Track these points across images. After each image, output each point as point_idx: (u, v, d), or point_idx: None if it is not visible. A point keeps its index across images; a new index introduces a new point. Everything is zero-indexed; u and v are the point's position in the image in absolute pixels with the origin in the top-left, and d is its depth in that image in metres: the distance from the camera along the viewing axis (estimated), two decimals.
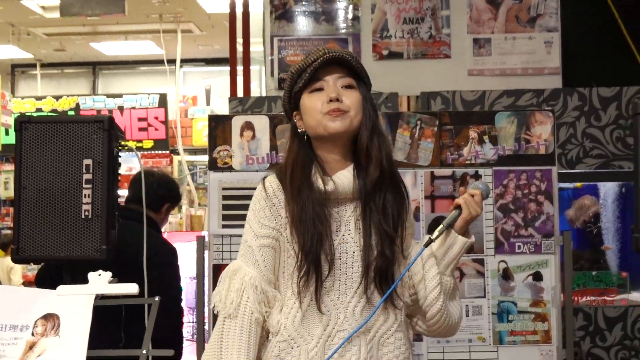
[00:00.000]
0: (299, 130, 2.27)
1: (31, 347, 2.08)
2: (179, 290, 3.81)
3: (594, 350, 4.25)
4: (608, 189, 4.53)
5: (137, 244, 3.46)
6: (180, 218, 9.74)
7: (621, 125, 4.36)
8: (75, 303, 2.15)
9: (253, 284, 2.21)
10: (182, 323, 3.82)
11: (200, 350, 3.50)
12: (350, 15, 4.75)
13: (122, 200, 3.77)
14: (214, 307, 2.25)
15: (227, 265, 3.46)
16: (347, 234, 2.24)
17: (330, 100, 2.20)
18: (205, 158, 11.62)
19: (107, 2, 6.87)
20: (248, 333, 2.19)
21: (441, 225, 2.24)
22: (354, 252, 2.23)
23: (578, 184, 4.48)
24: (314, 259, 2.18)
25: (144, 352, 2.04)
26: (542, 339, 3.52)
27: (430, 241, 2.22)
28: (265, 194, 2.27)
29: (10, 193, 11.26)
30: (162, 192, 3.97)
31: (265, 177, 2.32)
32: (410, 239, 2.36)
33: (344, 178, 2.24)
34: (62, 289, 2.25)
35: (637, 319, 4.25)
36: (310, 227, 2.18)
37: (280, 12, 4.76)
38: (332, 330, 2.20)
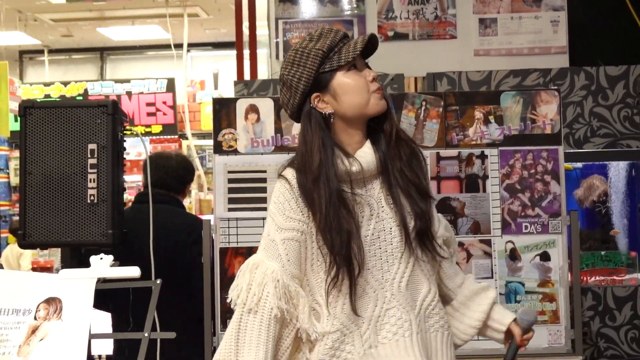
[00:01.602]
0: (324, 113, 2.23)
1: (34, 331, 2.09)
2: None
3: (604, 330, 4.24)
4: (616, 169, 4.51)
5: (184, 227, 3.52)
6: (190, 202, 9.75)
7: (629, 104, 4.33)
8: (77, 286, 2.15)
9: (275, 278, 2.16)
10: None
11: (207, 333, 3.50)
12: None
13: (139, 185, 3.81)
14: (230, 300, 2.20)
15: (233, 248, 3.51)
16: (382, 212, 2.24)
17: (373, 80, 2.22)
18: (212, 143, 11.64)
19: None
20: (267, 329, 2.15)
21: None
22: (391, 228, 2.23)
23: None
24: (344, 261, 2.15)
25: (146, 335, 2.04)
26: (550, 319, 3.52)
27: None
28: (289, 185, 2.22)
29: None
30: (182, 173, 4.02)
31: (283, 171, 2.27)
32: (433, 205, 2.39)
33: (366, 155, 2.23)
34: (64, 272, 2.26)
35: None
36: (336, 227, 2.15)
37: None
38: (382, 309, 2.20)
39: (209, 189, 10.40)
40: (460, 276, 2.45)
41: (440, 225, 2.39)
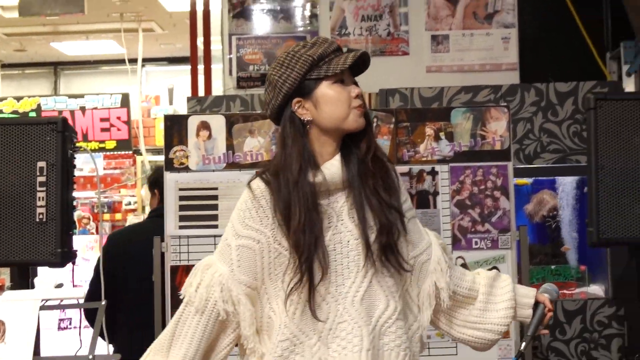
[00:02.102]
0: (304, 119, 2.24)
1: None
2: None
3: (554, 344, 4.29)
4: (566, 184, 4.57)
5: None
6: (144, 218, 9.68)
7: (578, 120, 4.40)
8: (21, 309, 2.13)
9: (220, 282, 2.22)
10: None
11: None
12: (308, 13, 4.76)
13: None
14: (183, 296, 2.27)
15: (184, 266, 3.49)
16: (341, 224, 2.24)
17: (357, 96, 2.23)
18: None
19: (67, 2, 6.82)
20: (204, 328, 2.21)
21: (528, 335, 2.37)
22: (348, 242, 2.23)
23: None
24: (307, 267, 2.17)
25: (90, 357, 2.03)
26: None
27: (520, 353, 2.34)
28: (252, 195, 2.25)
29: None
30: None
31: (251, 181, 2.29)
32: (415, 222, 2.38)
33: (331, 167, 2.24)
34: (7, 294, 2.24)
35: (596, 312, 4.30)
36: (309, 231, 2.17)
37: (239, 10, 4.75)
38: (333, 322, 2.19)
39: None
40: (468, 274, 2.43)
41: (430, 236, 2.40)
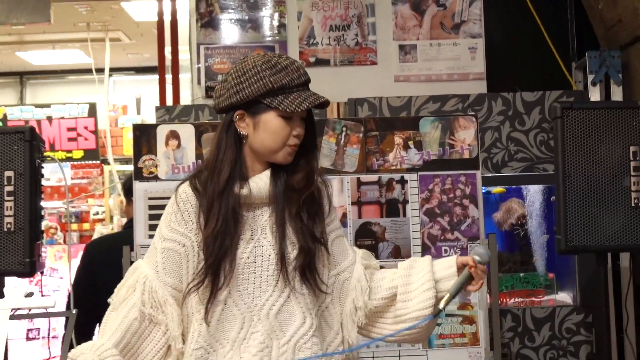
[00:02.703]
0: (240, 132, 2.25)
1: None
2: None
3: (523, 351, 4.32)
4: (533, 192, 4.61)
5: None
6: (112, 228, 9.63)
7: (545, 129, 4.43)
8: None
9: (143, 282, 2.26)
10: None
11: None
12: (276, 23, 4.76)
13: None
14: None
15: None
16: (263, 238, 2.27)
17: (296, 136, 2.23)
18: None
19: (33, 11, 6.75)
20: (124, 323, 2.22)
21: (448, 295, 2.24)
22: (269, 255, 2.25)
23: (497, 189, 4.53)
24: (212, 272, 2.21)
25: None
26: (470, 342, 3.57)
27: (439, 311, 2.25)
28: (176, 199, 2.29)
29: None
30: None
31: (180, 185, 2.33)
32: (340, 242, 2.39)
33: (259, 181, 2.26)
34: None
35: (564, 319, 4.33)
36: (219, 237, 2.21)
37: (207, 20, 4.75)
38: (247, 332, 2.22)
39: None
40: (388, 273, 2.39)
41: (357, 255, 2.40)
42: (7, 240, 3.16)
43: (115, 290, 2.31)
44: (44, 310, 2.13)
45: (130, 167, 11.62)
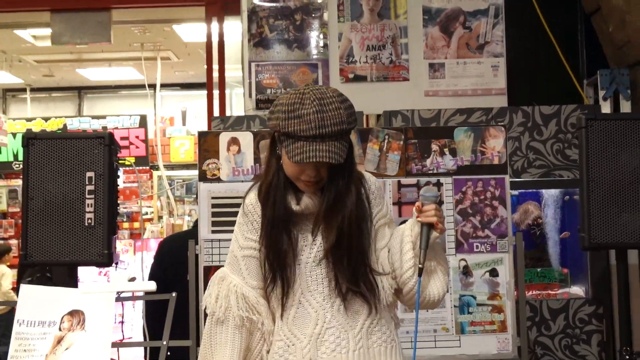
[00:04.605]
0: (277, 151, 2.20)
1: (59, 341, 2.04)
2: None
3: (540, 339, 4.28)
4: (549, 196, 4.58)
5: None
6: (162, 227, 9.66)
7: (560, 139, 4.40)
8: (98, 300, 2.11)
9: (235, 291, 2.24)
10: None
11: (193, 342, 3.45)
12: (320, 43, 4.76)
13: None
14: (205, 307, 2.29)
15: (216, 266, 3.47)
16: (320, 246, 2.22)
17: (308, 177, 2.15)
18: (181, 173, 11.55)
19: (95, 32, 6.79)
20: (233, 335, 2.22)
21: (422, 251, 2.20)
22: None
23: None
24: (278, 277, 2.20)
25: (164, 343, 2.02)
26: (499, 329, 3.55)
27: (420, 269, 2.20)
28: (244, 210, 2.29)
29: (5, 207, 11.07)
30: None
31: (247, 194, 2.31)
32: (385, 229, 2.32)
33: (307, 197, 2.22)
34: (85, 287, 2.22)
35: (578, 310, 4.29)
36: (273, 245, 2.20)
37: (257, 40, 4.75)
38: (322, 328, 2.21)
39: (178, 215, 10.32)
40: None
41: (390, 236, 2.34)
42: (87, 234, 3.17)
43: (208, 299, 2.28)
44: (144, 294, 2.14)
45: (176, 173, 11.69)
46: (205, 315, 2.29)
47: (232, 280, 2.26)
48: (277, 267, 2.20)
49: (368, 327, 2.24)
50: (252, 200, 2.27)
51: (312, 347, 2.20)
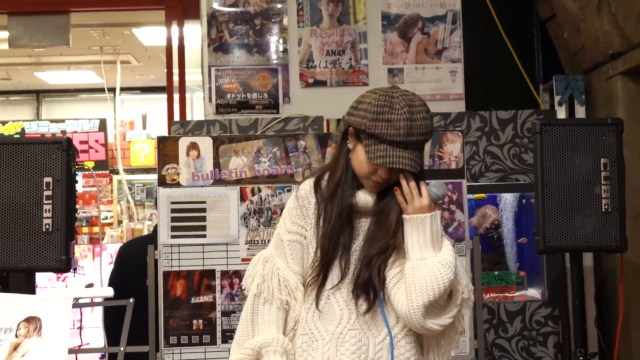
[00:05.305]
0: (348, 145, 2.22)
1: (15, 348, 2.02)
2: None
3: (498, 341, 4.34)
4: (506, 200, 4.64)
5: None
6: (122, 231, 9.58)
7: (517, 143, 4.47)
8: (55, 306, 2.10)
9: (277, 273, 2.26)
10: None
11: (152, 348, 3.44)
12: (280, 48, 4.77)
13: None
14: (244, 288, 2.32)
15: (175, 271, 3.47)
16: (360, 244, 2.24)
17: (378, 178, 2.17)
18: (142, 177, 11.44)
19: (53, 35, 6.71)
20: (277, 313, 2.24)
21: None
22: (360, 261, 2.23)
23: (478, 195, 4.56)
24: (326, 266, 2.21)
25: (122, 348, 2.01)
26: None
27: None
28: (296, 195, 2.30)
29: None
30: None
31: (303, 181, 2.34)
32: None
33: (366, 194, 2.23)
34: (41, 293, 2.21)
35: (534, 313, 4.35)
36: (334, 237, 2.20)
37: (217, 44, 4.75)
38: (344, 328, 2.19)
39: (138, 219, 10.24)
40: None
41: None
42: (45, 240, 3.14)
43: (247, 277, 2.31)
44: (101, 300, 2.13)
45: (136, 177, 11.61)
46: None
47: (276, 263, 2.29)
48: (328, 261, 2.20)
49: (394, 337, 2.19)
50: (307, 189, 2.29)
51: (332, 346, 2.18)
